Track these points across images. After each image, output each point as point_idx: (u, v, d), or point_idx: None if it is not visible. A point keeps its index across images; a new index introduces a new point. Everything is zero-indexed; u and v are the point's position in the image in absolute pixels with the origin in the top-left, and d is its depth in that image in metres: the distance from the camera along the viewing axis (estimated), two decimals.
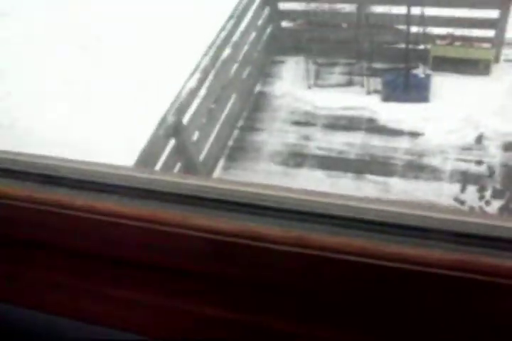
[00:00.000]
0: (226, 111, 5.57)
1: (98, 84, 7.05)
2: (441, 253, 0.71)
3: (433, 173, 5.15)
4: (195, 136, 4.97)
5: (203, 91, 4.98)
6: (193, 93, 4.79)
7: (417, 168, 5.21)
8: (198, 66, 4.96)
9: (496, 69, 5.97)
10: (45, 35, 8.41)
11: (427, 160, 5.26)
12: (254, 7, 5.89)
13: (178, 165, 4.70)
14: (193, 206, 0.83)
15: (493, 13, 5.75)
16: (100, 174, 0.89)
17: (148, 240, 0.85)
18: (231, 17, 5.50)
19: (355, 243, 0.74)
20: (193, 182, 0.89)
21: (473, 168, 5.16)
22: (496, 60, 5.99)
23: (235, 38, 5.52)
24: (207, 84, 5.02)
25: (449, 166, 5.19)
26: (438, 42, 6.00)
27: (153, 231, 0.82)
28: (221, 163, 5.52)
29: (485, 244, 0.71)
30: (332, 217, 0.77)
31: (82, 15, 8.39)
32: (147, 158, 4.22)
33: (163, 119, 4.44)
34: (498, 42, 5.94)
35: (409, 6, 5.48)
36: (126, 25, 8.29)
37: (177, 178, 0.97)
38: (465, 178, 5.08)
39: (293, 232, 0.76)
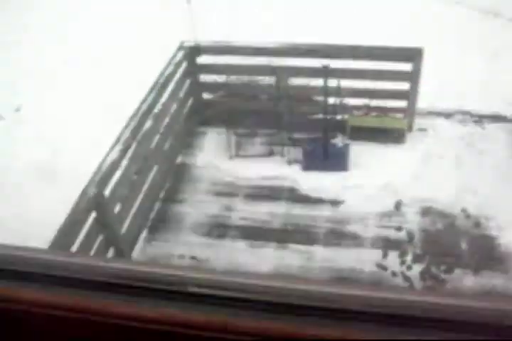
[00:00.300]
0: (148, 183, 5.50)
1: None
2: None
3: (355, 240, 5.20)
4: (117, 207, 4.87)
5: (124, 163, 4.93)
6: (115, 164, 4.73)
7: (339, 236, 5.25)
8: (119, 137, 4.92)
9: (410, 137, 6.20)
10: None
11: (348, 228, 5.31)
12: (175, 79, 5.95)
13: (100, 238, 4.58)
14: (113, 292, 0.77)
15: (405, 85, 6.02)
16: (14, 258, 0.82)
17: (65, 329, 0.79)
18: (152, 89, 5.53)
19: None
20: (112, 265, 0.83)
21: (393, 233, 5.24)
22: (410, 129, 6.24)
23: (156, 110, 5.54)
24: (129, 155, 4.97)
25: (370, 233, 5.26)
26: (355, 112, 6.19)
27: (71, 319, 0.76)
28: (143, 234, 5.42)
29: None
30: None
31: None
32: (68, 230, 4.10)
33: (84, 191, 4.35)
34: (410, 112, 6.19)
35: (326, 78, 5.67)
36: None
37: (94, 261, 0.91)
38: (386, 244, 5.14)
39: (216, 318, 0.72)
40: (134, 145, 5.04)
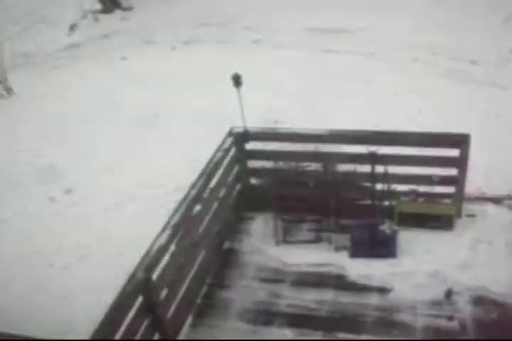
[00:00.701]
0: (195, 268, 5.53)
1: None
2: None
3: (404, 329, 5.05)
4: (164, 292, 4.89)
5: (172, 247, 4.99)
6: (163, 249, 4.78)
7: (388, 325, 5.11)
8: (168, 222, 5.01)
9: (459, 223, 6.12)
10: None
11: (397, 316, 5.17)
12: (224, 164, 6.08)
13: (146, 322, 4.58)
14: None
15: (453, 171, 6.02)
16: None
17: None
18: (202, 174, 5.65)
19: None
20: None
21: (444, 323, 5.08)
22: (458, 214, 6.16)
23: (205, 195, 5.65)
24: (177, 240, 5.04)
25: (420, 322, 5.11)
26: (402, 198, 6.18)
27: None
28: (189, 320, 5.38)
29: None
30: None
31: None
32: (115, 313, 4.13)
33: (133, 275, 4.40)
34: (458, 198, 6.14)
35: (373, 164, 5.71)
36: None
37: None
38: (437, 334, 4.97)
39: None
40: (182, 230, 5.11)
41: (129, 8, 17.84)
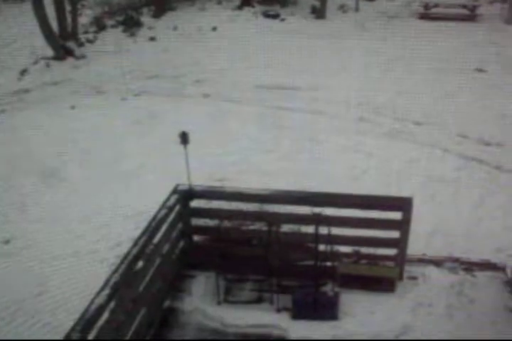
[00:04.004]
0: (133, 327, 5.37)
1: None
2: None
3: None
4: None
5: (111, 305, 4.85)
6: (101, 309, 4.65)
7: None
8: (108, 280, 4.89)
9: (400, 286, 6.15)
10: None
11: None
12: (168, 221, 6.02)
13: None
14: None
15: (395, 234, 6.09)
16: None
17: None
18: (145, 230, 5.57)
19: None
20: None
21: None
22: (400, 277, 6.21)
23: (147, 251, 5.55)
24: (116, 298, 4.91)
25: None
26: (345, 260, 6.20)
27: None
28: None
29: None
30: None
31: None
32: None
33: (67, 336, 4.25)
34: (400, 261, 6.20)
35: (317, 225, 5.74)
36: None
37: None
38: None
39: None
40: (122, 288, 5.00)
41: (82, 57, 17.84)
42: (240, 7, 22.59)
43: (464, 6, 21.62)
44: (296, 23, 20.95)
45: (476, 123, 11.91)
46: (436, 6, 21.65)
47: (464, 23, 20.61)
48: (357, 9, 22.43)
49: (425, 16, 21.50)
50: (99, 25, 20.72)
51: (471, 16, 21.28)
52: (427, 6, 21.83)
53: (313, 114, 12.51)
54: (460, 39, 18.36)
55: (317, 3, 22.01)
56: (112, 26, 20.87)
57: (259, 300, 6.04)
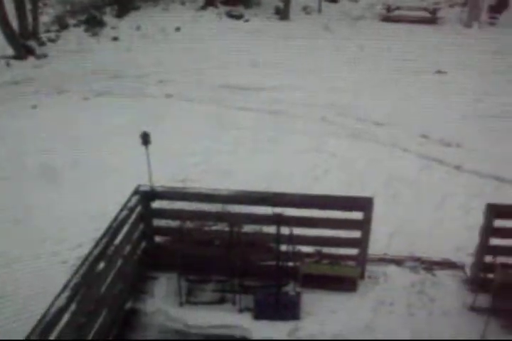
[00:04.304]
0: (95, 329, 5.32)
1: None
2: None
3: None
4: None
5: (73, 307, 4.79)
6: (62, 311, 4.59)
7: None
8: (69, 281, 4.83)
9: (362, 285, 6.20)
10: None
11: None
12: (129, 222, 5.97)
13: None
14: None
15: (356, 233, 6.14)
16: None
17: None
18: (106, 232, 5.52)
19: None
20: None
21: None
22: (361, 276, 6.26)
23: (109, 252, 5.50)
24: (77, 299, 4.85)
25: None
26: (306, 260, 6.22)
27: None
28: None
29: None
30: None
31: None
32: None
33: (27, 339, 4.19)
34: (362, 260, 6.25)
35: (278, 225, 5.75)
36: None
37: None
38: None
39: None
40: (83, 289, 4.94)
41: (43, 56, 17.63)
42: (203, 7, 22.56)
43: (425, 9, 21.96)
44: (259, 24, 21.03)
45: (437, 124, 12.09)
46: (398, 8, 21.94)
47: (425, 26, 20.97)
48: (320, 11, 22.58)
49: (388, 18, 21.77)
50: (62, 24, 20.49)
51: (432, 19, 21.60)
52: (389, 9, 22.10)
53: (276, 114, 12.55)
54: (421, 41, 18.72)
55: (281, 5, 22.11)
56: (75, 25, 20.66)
57: (221, 301, 6.02)
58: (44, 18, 20.44)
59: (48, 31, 19.82)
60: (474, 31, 20.53)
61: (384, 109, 12.89)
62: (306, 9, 22.77)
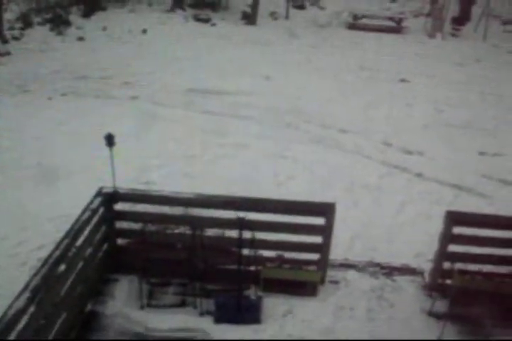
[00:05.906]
0: (54, 331, 5.26)
1: None
2: None
3: None
4: None
5: (32, 309, 4.74)
6: (20, 312, 4.54)
7: None
8: (28, 283, 4.77)
9: (322, 290, 6.28)
10: None
11: None
12: (91, 224, 5.93)
13: None
14: None
15: (318, 238, 6.21)
16: None
17: None
18: (68, 233, 5.47)
19: None
20: None
21: None
22: (322, 281, 6.33)
23: (70, 254, 5.45)
24: (36, 301, 4.79)
25: None
26: (268, 264, 6.26)
27: None
28: None
29: None
30: None
31: None
32: None
33: None
34: (323, 265, 6.32)
35: (241, 229, 5.78)
36: None
37: None
38: None
39: None
40: (42, 291, 4.89)
41: (6, 54, 17.36)
42: (171, 10, 22.52)
43: (391, 18, 22.31)
44: (226, 28, 21.09)
45: (400, 132, 12.26)
46: (364, 17, 22.23)
47: (390, 35, 21.31)
48: (287, 17, 22.75)
49: (354, 27, 22.06)
50: (26, 21, 20.22)
51: (397, 28, 21.96)
52: (355, 17, 22.37)
53: (241, 119, 12.57)
54: (386, 50, 19.00)
55: (248, 10, 22.20)
56: (39, 24, 20.41)
57: (182, 304, 6.03)
58: (8, 15, 20.12)
59: (12, 28, 19.52)
60: (437, 42, 20.95)
61: (348, 117, 13.02)
62: (273, 15, 22.93)
